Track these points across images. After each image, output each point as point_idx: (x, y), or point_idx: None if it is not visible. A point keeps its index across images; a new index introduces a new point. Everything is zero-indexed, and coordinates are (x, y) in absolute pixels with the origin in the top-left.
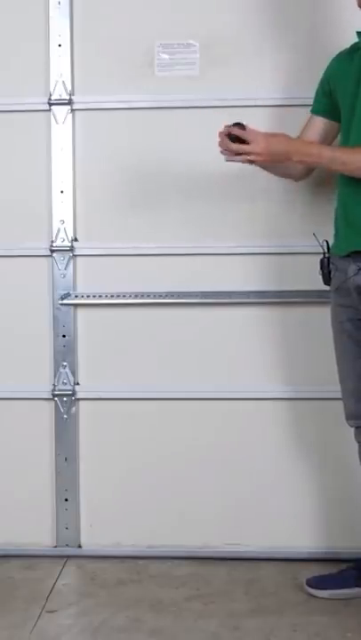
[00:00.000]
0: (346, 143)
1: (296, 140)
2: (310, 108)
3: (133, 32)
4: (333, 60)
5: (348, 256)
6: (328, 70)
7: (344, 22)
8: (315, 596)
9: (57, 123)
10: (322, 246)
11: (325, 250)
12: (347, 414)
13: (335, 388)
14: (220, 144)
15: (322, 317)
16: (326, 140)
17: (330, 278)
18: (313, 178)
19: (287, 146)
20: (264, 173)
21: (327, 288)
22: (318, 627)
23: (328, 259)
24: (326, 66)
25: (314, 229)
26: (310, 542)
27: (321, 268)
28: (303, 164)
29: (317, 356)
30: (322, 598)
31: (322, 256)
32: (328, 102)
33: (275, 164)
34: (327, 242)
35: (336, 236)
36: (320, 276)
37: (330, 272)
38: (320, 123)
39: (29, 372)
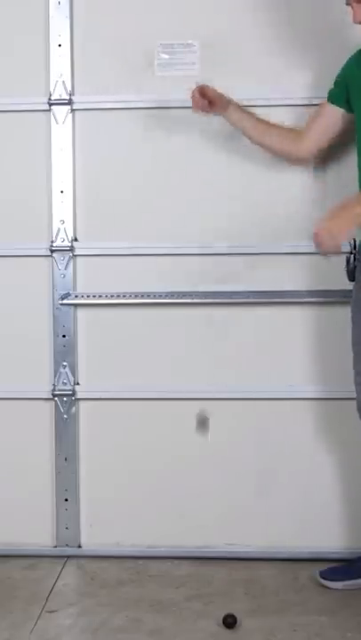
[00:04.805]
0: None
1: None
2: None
3: (133, 32)
4: (352, 58)
5: None
6: (345, 69)
7: (345, 23)
8: (329, 588)
9: (57, 123)
10: (349, 243)
11: (352, 246)
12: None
13: (334, 388)
14: None
15: (323, 317)
16: (333, 128)
17: (354, 275)
18: (313, 179)
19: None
20: (267, 175)
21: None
22: (318, 627)
23: (354, 255)
24: (345, 62)
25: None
26: (311, 542)
27: (347, 264)
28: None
29: (319, 355)
30: (336, 589)
31: (348, 252)
32: (344, 93)
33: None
34: (354, 240)
35: None
36: (345, 273)
37: (355, 268)
38: (332, 110)
39: (29, 372)
